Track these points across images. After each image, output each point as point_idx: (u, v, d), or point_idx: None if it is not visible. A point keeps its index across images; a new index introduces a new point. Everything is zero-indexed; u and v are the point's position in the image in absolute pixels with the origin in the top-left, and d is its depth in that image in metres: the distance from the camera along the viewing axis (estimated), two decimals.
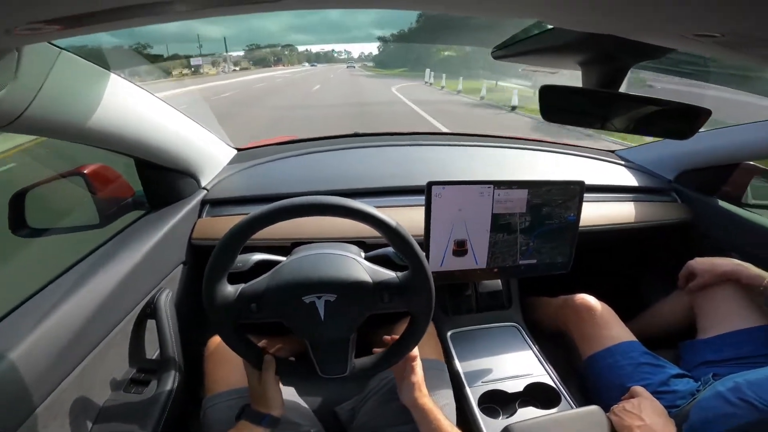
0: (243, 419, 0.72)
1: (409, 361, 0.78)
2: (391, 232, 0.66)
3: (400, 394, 0.79)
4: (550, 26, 0.55)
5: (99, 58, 0.69)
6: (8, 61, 0.47)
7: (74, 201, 0.97)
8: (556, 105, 0.58)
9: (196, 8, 0.35)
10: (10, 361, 0.58)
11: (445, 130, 7.79)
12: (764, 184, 1.31)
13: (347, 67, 66.99)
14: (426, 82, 21.38)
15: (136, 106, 0.80)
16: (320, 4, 0.34)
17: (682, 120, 0.59)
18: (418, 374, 0.78)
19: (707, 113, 0.57)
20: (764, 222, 1.20)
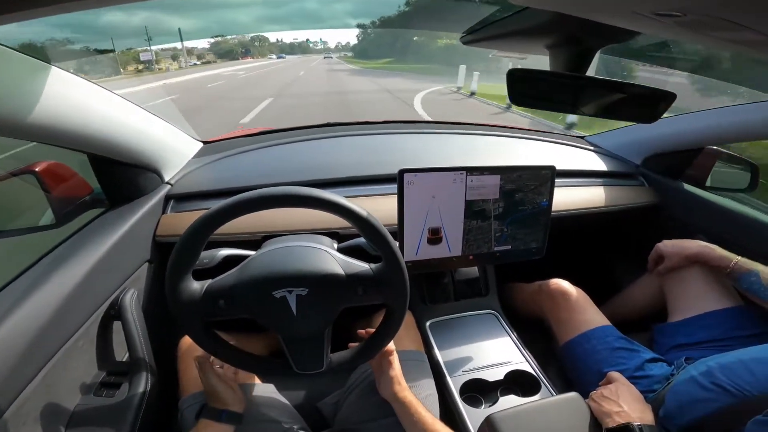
0: (202, 417, 0.72)
1: (385, 355, 0.77)
2: (362, 222, 0.64)
3: (379, 388, 0.78)
4: (517, 10, 0.54)
5: (41, 53, 0.65)
6: None
7: (27, 201, 0.92)
8: (525, 89, 0.58)
9: None
10: None
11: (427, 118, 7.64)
12: (726, 168, 1.35)
13: (324, 57, 62.19)
14: (456, 89, 12.96)
15: (84, 99, 0.76)
16: None
17: (647, 104, 0.59)
18: (396, 367, 0.78)
19: (672, 97, 0.58)
20: (728, 204, 1.24)
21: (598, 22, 0.43)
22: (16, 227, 0.90)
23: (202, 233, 0.62)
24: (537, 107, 0.61)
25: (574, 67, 0.56)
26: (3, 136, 0.64)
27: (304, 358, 0.72)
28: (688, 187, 1.34)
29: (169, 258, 0.63)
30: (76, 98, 0.74)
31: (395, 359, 0.79)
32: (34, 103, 0.62)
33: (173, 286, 0.63)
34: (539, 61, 0.66)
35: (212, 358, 0.75)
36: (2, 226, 0.89)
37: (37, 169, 0.87)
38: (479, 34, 0.65)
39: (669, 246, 1.10)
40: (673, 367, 0.92)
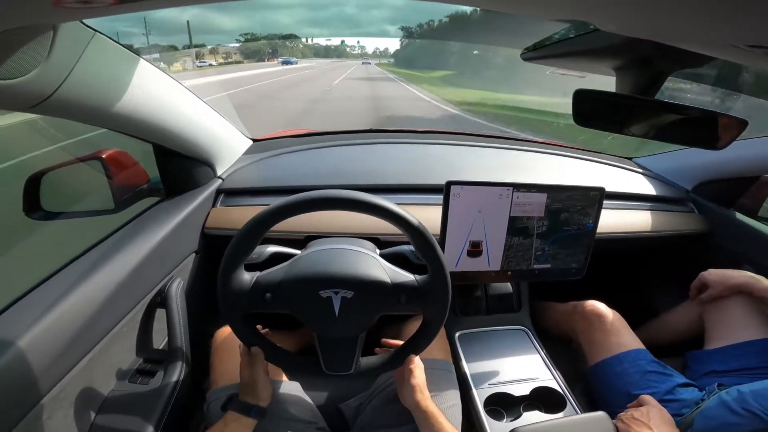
0: (231, 410, 0.72)
1: (408, 364, 0.77)
2: (416, 233, 0.66)
3: (401, 396, 0.78)
4: (587, 29, 0.54)
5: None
6: (43, 40, 0.46)
7: (91, 185, 0.97)
8: (589, 110, 0.57)
9: None
10: (18, 349, 0.57)
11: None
12: None
13: (362, 63, 54.19)
14: None
15: (161, 93, 0.80)
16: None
17: (716, 130, 0.58)
18: (418, 377, 0.77)
19: (743, 124, 0.57)
20: None
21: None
22: (77, 210, 0.96)
23: (263, 227, 0.65)
24: (601, 128, 0.60)
25: (642, 89, 0.55)
26: (85, 123, 0.68)
27: (335, 359, 0.73)
28: (740, 216, 1.29)
29: (215, 250, 0.66)
30: (156, 91, 0.77)
31: (418, 368, 0.78)
32: (122, 93, 0.66)
33: (226, 275, 0.66)
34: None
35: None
36: (68, 208, 0.94)
37: (103, 156, 0.92)
38: (543, 52, 0.65)
39: (714, 275, 1.08)
40: (704, 392, 0.91)
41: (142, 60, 0.71)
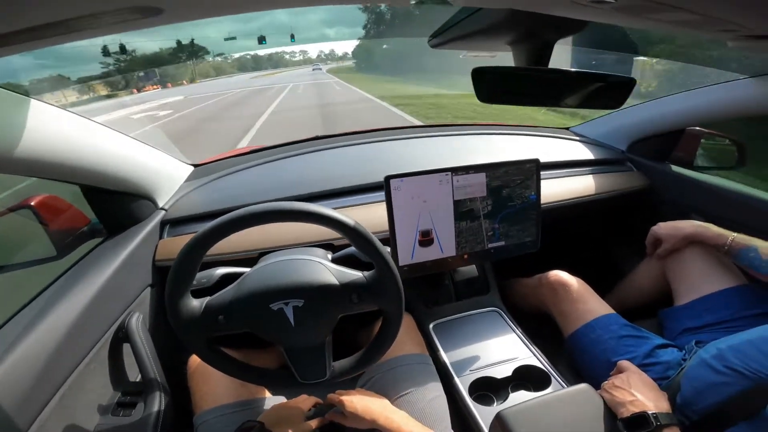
0: None
1: (336, 402, 0.77)
2: (350, 231, 0.66)
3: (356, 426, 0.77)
4: (473, 10, 0.56)
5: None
6: None
7: (27, 235, 0.94)
8: (490, 86, 0.59)
9: (73, 31, 0.34)
10: (10, 363, 0.59)
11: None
12: (712, 147, 1.36)
13: (313, 70, 45.74)
14: None
15: (67, 131, 0.77)
16: (202, 12, 0.33)
17: (610, 91, 0.61)
18: (355, 402, 0.76)
19: (632, 82, 0.60)
20: (718, 182, 1.24)
21: (550, 15, 0.45)
22: (18, 261, 0.93)
23: (195, 254, 0.64)
24: (506, 102, 0.62)
25: (535, 61, 0.58)
26: None
27: (306, 367, 0.74)
28: (676, 168, 1.35)
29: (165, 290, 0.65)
30: (59, 130, 0.75)
31: (346, 395, 0.78)
32: (18, 137, 0.64)
33: (173, 306, 0.65)
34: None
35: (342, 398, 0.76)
36: (6, 261, 0.91)
37: (32, 203, 0.89)
38: (444, 36, 0.67)
39: (664, 228, 1.10)
40: (684, 351, 0.92)
41: (34, 101, 0.69)
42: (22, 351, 0.66)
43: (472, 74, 0.58)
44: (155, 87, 32.76)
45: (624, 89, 0.59)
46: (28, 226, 0.91)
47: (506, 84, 0.59)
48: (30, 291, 0.83)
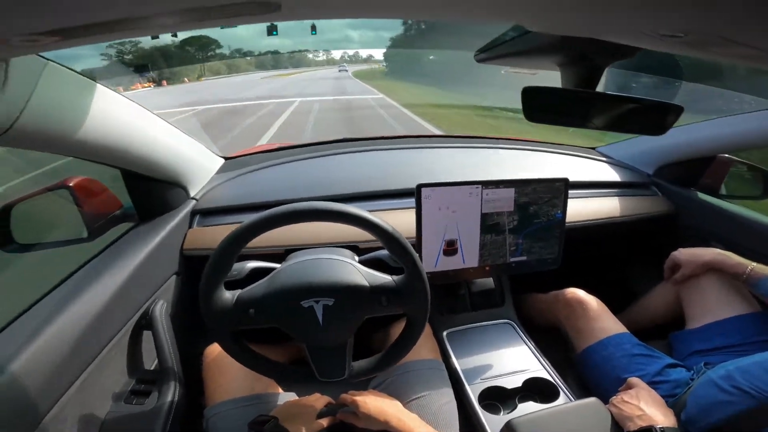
0: None
1: (349, 403, 0.78)
2: (387, 236, 0.67)
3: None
4: (524, 30, 0.57)
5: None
6: None
7: (62, 215, 0.96)
8: (538, 105, 0.60)
9: (184, 21, 0.35)
10: (8, 378, 0.57)
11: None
12: (739, 176, 1.36)
13: (339, 70, 43.86)
14: None
15: (124, 117, 0.80)
16: (320, 13, 0.34)
17: (656, 117, 0.61)
18: (369, 403, 0.77)
19: (679, 110, 0.60)
20: (742, 211, 1.24)
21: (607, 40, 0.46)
22: (52, 240, 0.95)
23: (238, 244, 0.66)
24: (553, 123, 0.63)
25: (584, 83, 0.58)
26: (48, 152, 0.68)
27: (327, 366, 0.74)
28: (701, 195, 1.35)
29: (195, 270, 0.66)
30: (118, 116, 0.78)
31: (359, 396, 0.79)
32: (83, 120, 0.66)
33: (207, 296, 0.67)
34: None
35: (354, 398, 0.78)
36: (40, 239, 0.93)
37: (70, 184, 0.91)
38: (492, 53, 0.68)
39: (684, 254, 1.11)
40: (692, 372, 0.92)
41: (100, 86, 0.71)
42: (49, 335, 0.66)
43: (523, 93, 0.59)
44: (147, 85, 27.94)
45: (670, 116, 0.60)
46: (64, 206, 0.93)
47: (555, 104, 0.60)
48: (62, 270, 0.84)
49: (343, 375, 0.75)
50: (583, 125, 0.60)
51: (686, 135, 1.32)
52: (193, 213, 1.12)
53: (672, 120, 0.60)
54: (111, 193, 1.00)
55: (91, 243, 0.94)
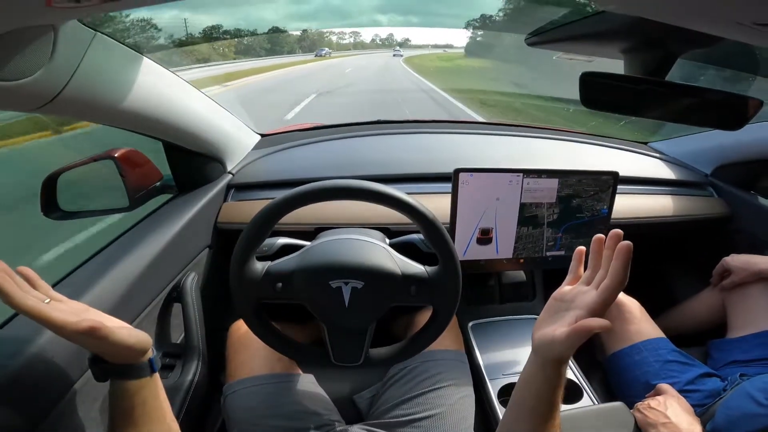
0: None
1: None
2: (428, 224, 0.66)
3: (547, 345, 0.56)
4: (592, 11, 0.53)
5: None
6: (45, 41, 0.47)
7: (105, 184, 0.99)
8: (598, 92, 0.56)
9: None
10: (41, 344, 0.59)
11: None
12: None
13: (393, 55, 39.99)
14: None
15: (167, 90, 0.80)
16: None
17: (731, 110, 0.56)
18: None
19: (758, 103, 0.55)
20: None
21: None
22: (95, 207, 0.98)
23: (272, 218, 0.65)
24: (610, 111, 0.59)
25: (652, 71, 0.54)
26: (92, 122, 0.70)
27: (343, 350, 0.74)
28: (762, 199, 1.26)
29: (227, 244, 0.67)
30: (161, 89, 0.78)
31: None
32: (128, 92, 0.67)
33: (239, 265, 0.67)
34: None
35: None
36: (83, 207, 0.96)
37: (115, 155, 0.93)
38: (547, 36, 0.64)
39: (737, 261, 1.06)
40: (726, 382, 0.89)
41: (145, 58, 0.72)
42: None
43: (581, 78, 0.55)
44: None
45: (748, 110, 0.54)
46: (108, 175, 0.95)
47: (616, 92, 0.55)
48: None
49: (358, 361, 0.74)
50: (647, 115, 0.56)
51: (750, 134, 1.21)
52: (229, 187, 1.13)
53: (749, 114, 0.55)
54: (153, 164, 1.02)
55: (132, 212, 0.97)
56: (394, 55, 40.17)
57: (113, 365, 0.54)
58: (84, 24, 0.55)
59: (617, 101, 0.56)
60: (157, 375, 0.59)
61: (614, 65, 0.60)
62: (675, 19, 0.35)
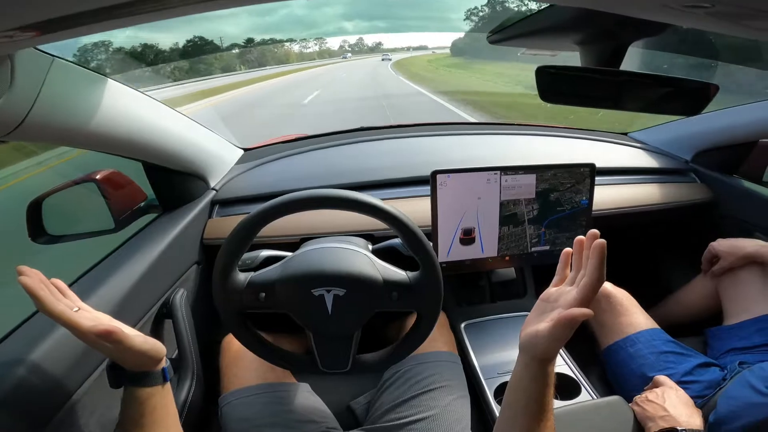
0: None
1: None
2: (404, 229, 0.66)
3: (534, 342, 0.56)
4: (544, 5, 0.54)
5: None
6: (2, 71, 0.48)
7: (89, 207, 0.99)
8: (555, 86, 0.57)
9: (182, 5, 0.34)
10: (33, 363, 0.59)
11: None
12: None
13: (382, 59, 39.86)
14: None
15: (138, 110, 0.81)
16: None
17: (689, 96, 0.57)
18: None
19: (715, 89, 0.55)
20: None
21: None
22: (80, 231, 0.98)
23: (250, 231, 0.66)
24: (570, 104, 0.60)
25: (607, 62, 0.54)
26: (71, 146, 0.70)
27: (330, 356, 0.75)
28: (744, 182, 1.26)
29: (214, 259, 0.67)
30: (131, 109, 0.79)
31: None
32: (94, 114, 0.67)
33: (222, 275, 0.67)
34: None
35: None
36: (68, 230, 0.96)
37: (97, 177, 0.93)
38: (506, 33, 0.65)
39: (724, 245, 1.05)
40: (725, 371, 0.88)
41: (110, 80, 0.72)
42: None
43: (536, 73, 0.56)
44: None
45: (704, 96, 0.55)
46: (90, 198, 0.96)
47: (572, 85, 0.56)
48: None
49: (346, 367, 0.75)
50: (603, 106, 0.57)
51: (727, 119, 1.23)
52: (213, 203, 1.14)
53: (707, 100, 0.56)
54: (136, 185, 1.02)
55: (118, 234, 0.97)
56: (382, 59, 40.09)
57: (129, 372, 0.58)
58: (40, 50, 0.55)
59: (574, 93, 0.57)
60: (168, 384, 0.61)
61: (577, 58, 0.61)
62: (608, 5, 0.36)
